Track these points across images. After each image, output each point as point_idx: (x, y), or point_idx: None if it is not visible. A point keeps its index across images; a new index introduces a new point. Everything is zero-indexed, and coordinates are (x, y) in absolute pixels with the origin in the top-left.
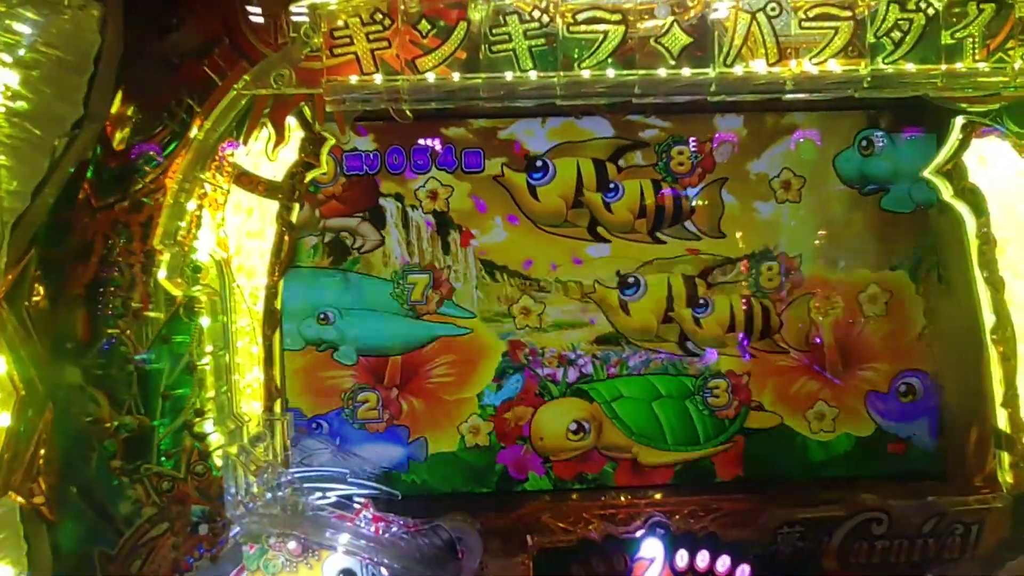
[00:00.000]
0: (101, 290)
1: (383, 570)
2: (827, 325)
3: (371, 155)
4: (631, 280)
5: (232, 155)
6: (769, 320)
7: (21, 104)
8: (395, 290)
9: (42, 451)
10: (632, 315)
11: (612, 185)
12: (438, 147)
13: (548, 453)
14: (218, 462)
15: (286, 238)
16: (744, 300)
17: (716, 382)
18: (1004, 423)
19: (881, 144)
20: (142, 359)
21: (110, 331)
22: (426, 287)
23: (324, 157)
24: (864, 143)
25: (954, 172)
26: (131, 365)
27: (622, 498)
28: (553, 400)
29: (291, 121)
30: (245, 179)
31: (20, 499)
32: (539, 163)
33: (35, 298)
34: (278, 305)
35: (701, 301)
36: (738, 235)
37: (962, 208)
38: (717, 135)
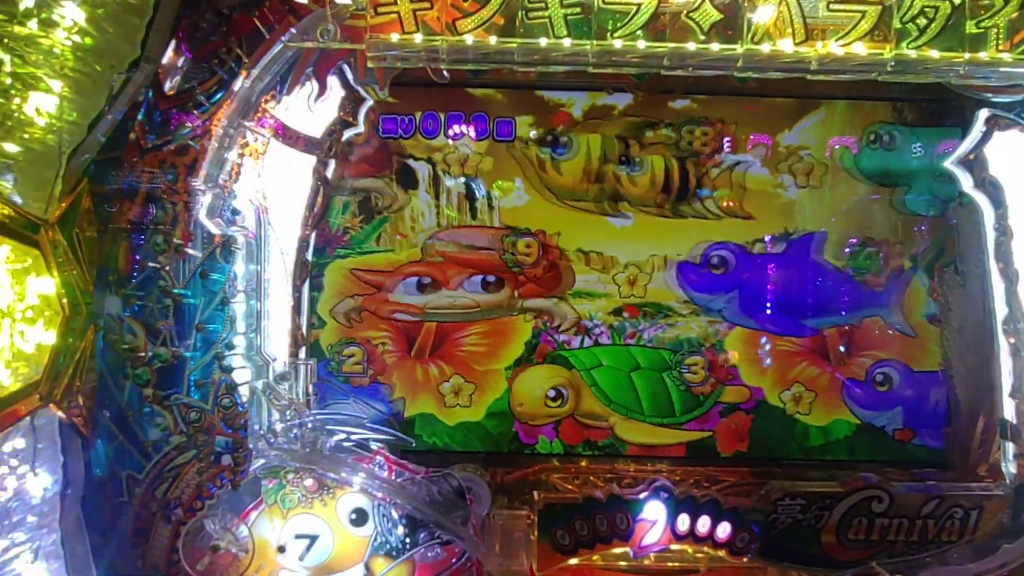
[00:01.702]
0: (145, 226)
1: (394, 511)
2: None
3: (406, 119)
4: (563, 140)
5: (274, 108)
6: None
7: (87, 40)
8: None
9: (81, 372)
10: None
11: (637, 160)
12: (465, 130)
13: (527, 419)
14: (244, 398)
15: (321, 193)
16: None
17: (694, 359)
18: (1011, 414)
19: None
20: (179, 293)
21: (151, 265)
22: None
23: (362, 117)
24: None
25: (975, 163)
26: (168, 298)
27: (630, 465)
28: (532, 366)
29: (332, 80)
30: (285, 133)
31: (60, 412)
32: (563, 139)
33: (85, 227)
34: (309, 256)
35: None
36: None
37: (981, 199)
38: (752, 136)
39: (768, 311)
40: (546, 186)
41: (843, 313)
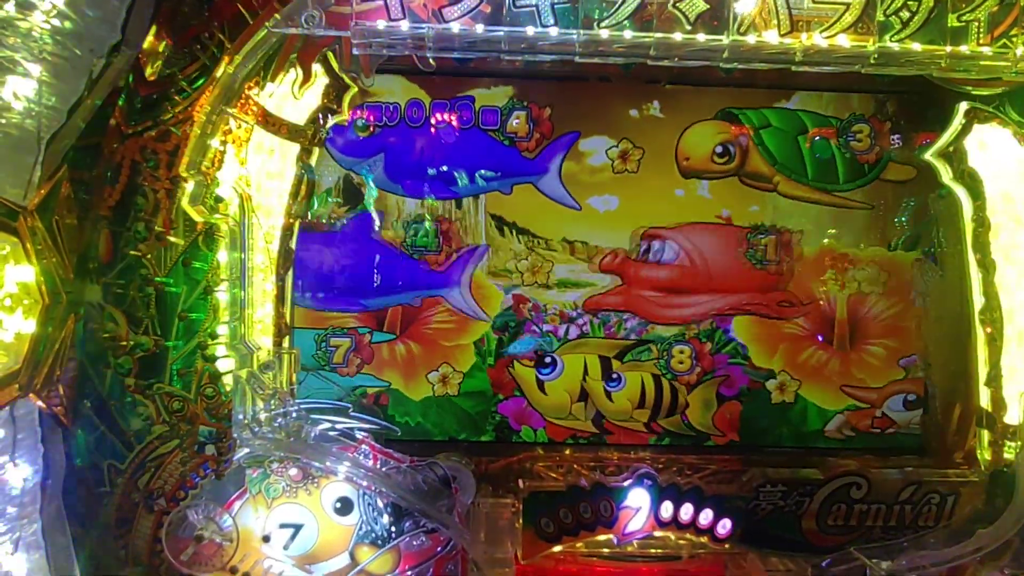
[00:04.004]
0: (125, 213)
1: (379, 500)
2: (842, 299)
3: (391, 106)
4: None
5: (257, 95)
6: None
7: (66, 23)
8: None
9: (61, 361)
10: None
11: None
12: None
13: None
14: (228, 387)
15: (305, 180)
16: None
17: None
18: (986, 402)
19: None
20: (161, 281)
21: (132, 253)
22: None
23: (346, 104)
24: None
25: (954, 155)
26: (150, 287)
27: (614, 454)
28: None
29: (317, 67)
30: (268, 120)
31: (40, 403)
32: None
33: (64, 214)
34: (293, 245)
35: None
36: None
37: (960, 191)
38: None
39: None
40: None
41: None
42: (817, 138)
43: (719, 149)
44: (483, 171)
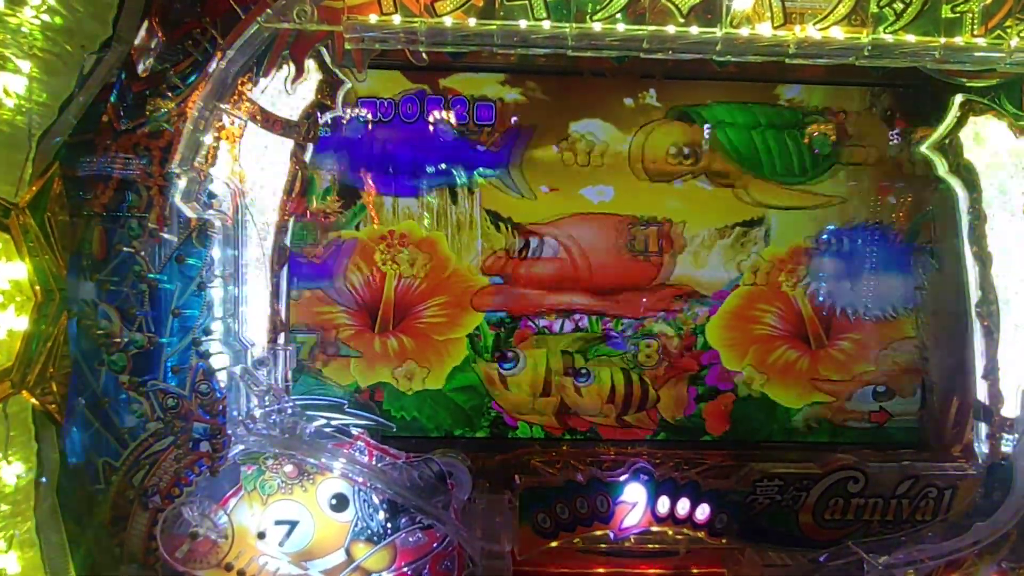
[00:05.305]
0: (119, 210)
1: (374, 496)
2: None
3: (385, 103)
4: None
5: (250, 90)
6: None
7: (56, 19)
8: None
9: (54, 358)
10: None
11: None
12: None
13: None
14: (222, 383)
15: (299, 176)
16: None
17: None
18: (983, 395)
19: None
20: (155, 278)
21: (125, 250)
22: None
23: (340, 100)
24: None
25: (950, 148)
26: (143, 284)
27: (610, 449)
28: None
29: (310, 63)
30: (262, 117)
31: (33, 400)
32: None
33: (56, 211)
34: (287, 241)
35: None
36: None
37: (956, 184)
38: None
39: None
40: None
41: None
42: (816, 134)
43: (672, 150)
44: (449, 165)
